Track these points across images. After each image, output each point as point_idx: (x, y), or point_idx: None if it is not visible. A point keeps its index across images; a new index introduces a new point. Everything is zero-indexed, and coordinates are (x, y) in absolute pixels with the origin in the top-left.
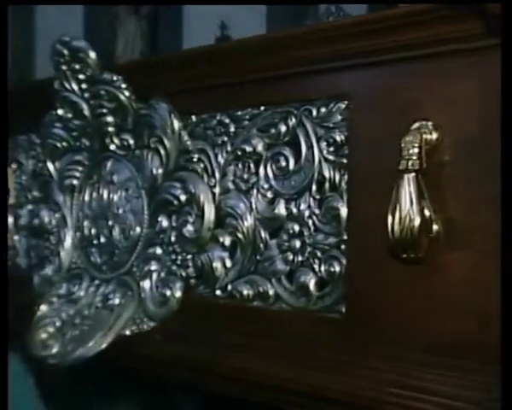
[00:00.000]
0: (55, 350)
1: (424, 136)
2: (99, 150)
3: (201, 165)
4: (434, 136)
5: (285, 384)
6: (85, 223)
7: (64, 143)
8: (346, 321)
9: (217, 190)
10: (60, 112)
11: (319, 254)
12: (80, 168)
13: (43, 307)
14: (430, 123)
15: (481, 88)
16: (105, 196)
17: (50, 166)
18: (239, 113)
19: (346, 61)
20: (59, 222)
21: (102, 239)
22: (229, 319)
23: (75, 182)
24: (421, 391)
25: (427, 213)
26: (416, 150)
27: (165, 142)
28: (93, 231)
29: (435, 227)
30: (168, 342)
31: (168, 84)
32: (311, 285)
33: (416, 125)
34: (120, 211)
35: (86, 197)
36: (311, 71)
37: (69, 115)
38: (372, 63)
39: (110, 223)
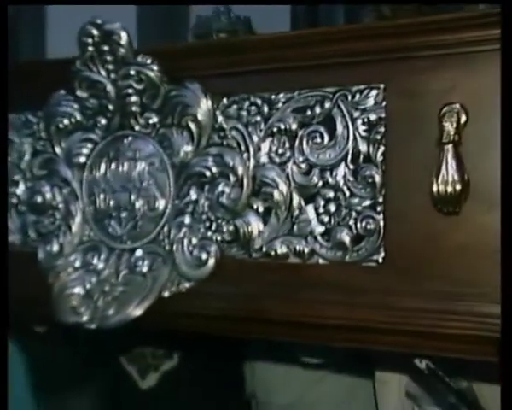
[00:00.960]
0: (86, 317)
1: (457, 116)
2: (118, 129)
3: (235, 141)
4: (464, 116)
5: (327, 321)
6: (101, 196)
7: (73, 122)
8: (383, 269)
9: (251, 163)
10: (77, 92)
11: (354, 214)
12: (90, 146)
13: (62, 279)
14: (459, 106)
15: (495, 82)
16: (124, 170)
17: (56, 144)
18: (272, 96)
19: (384, 54)
20: (67, 197)
21: (122, 212)
22: (266, 274)
23: (85, 159)
24: (457, 314)
25: (465, 176)
26: (454, 125)
27: (199, 119)
28: (110, 203)
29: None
30: (210, 299)
31: (201, 68)
32: (347, 241)
33: (450, 107)
34: (143, 184)
35: (100, 173)
36: (349, 62)
37: (84, 95)
38: (408, 57)
39: (131, 196)
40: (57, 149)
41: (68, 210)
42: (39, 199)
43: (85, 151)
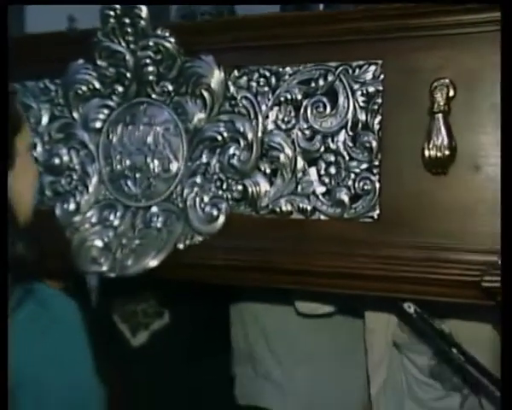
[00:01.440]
0: (105, 267)
1: (446, 89)
2: (134, 96)
3: (245, 109)
4: (452, 91)
5: (330, 270)
6: (117, 158)
7: (91, 89)
8: (378, 224)
9: (260, 129)
10: (97, 61)
11: (353, 176)
12: (107, 111)
13: (81, 233)
14: (448, 80)
15: (482, 59)
16: (140, 135)
17: (74, 109)
18: (280, 69)
19: (382, 34)
20: (84, 159)
21: (137, 172)
22: (271, 229)
23: (102, 124)
24: (444, 262)
25: (453, 142)
26: (445, 97)
27: (212, 88)
28: (126, 165)
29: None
30: (220, 251)
31: (215, 42)
32: (346, 200)
33: (440, 81)
34: (158, 148)
35: (116, 136)
36: (351, 40)
37: (104, 64)
38: (404, 37)
39: (147, 158)
40: (75, 114)
41: (85, 171)
42: (57, 161)
43: (102, 116)
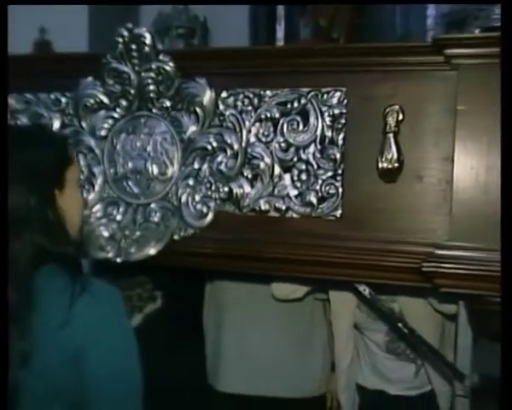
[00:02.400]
0: (111, 254)
1: (396, 114)
2: (136, 110)
3: (232, 124)
4: (401, 115)
5: (300, 258)
6: (120, 162)
7: (98, 102)
8: (340, 221)
9: (244, 141)
10: (106, 78)
11: (320, 182)
12: (112, 122)
13: (89, 225)
14: (397, 107)
15: (425, 90)
16: (140, 143)
17: (82, 119)
18: (261, 92)
19: (346, 67)
20: (90, 162)
21: (138, 175)
22: (252, 224)
23: (107, 132)
24: (395, 252)
25: (401, 157)
26: (395, 120)
27: (204, 105)
28: (128, 168)
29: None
30: (209, 242)
31: (207, 67)
32: (314, 201)
33: (391, 107)
34: (156, 154)
35: (120, 143)
36: (320, 70)
37: (110, 81)
38: (363, 71)
39: (146, 163)
40: (83, 123)
41: (92, 172)
42: None
43: (107, 126)
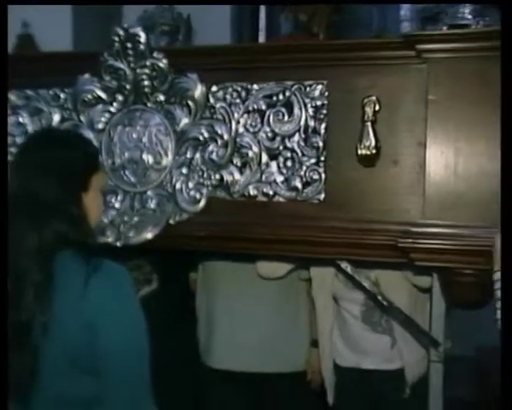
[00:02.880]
0: (111, 238)
1: (373, 104)
2: (132, 104)
3: (222, 116)
4: (377, 106)
5: (286, 238)
6: (117, 153)
7: (96, 97)
8: (323, 204)
9: (233, 131)
10: (103, 75)
11: (304, 168)
12: (108, 115)
13: None
14: (374, 98)
15: (399, 81)
16: (136, 134)
17: (81, 113)
18: (249, 86)
19: (327, 61)
20: None
21: (134, 164)
22: (242, 208)
23: (104, 125)
24: (375, 231)
25: (378, 144)
26: (372, 110)
27: (196, 99)
28: (125, 158)
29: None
30: (202, 225)
31: (199, 64)
32: (299, 186)
33: (368, 98)
34: (152, 145)
35: (117, 135)
36: (303, 65)
37: (107, 78)
38: (343, 65)
39: (142, 153)
40: (82, 117)
41: None
42: None
43: (104, 119)
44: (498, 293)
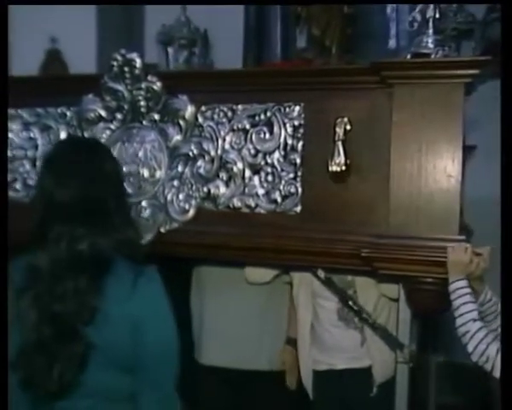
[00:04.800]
0: None
1: (344, 125)
2: (129, 122)
3: (209, 134)
4: (348, 126)
5: (267, 246)
6: None
7: (98, 116)
8: (299, 216)
9: (219, 148)
10: (103, 96)
11: (283, 182)
12: (109, 132)
13: None
14: (346, 119)
15: (368, 104)
16: (133, 150)
17: (85, 130)
18: (234, 107)
19: (304, 85)
20: None
21: (131, 177)
22: (226, 219)
23: (105, 141)
24: (345, 241)
25: (347, 161)
26: (343, 130)
27: (186, 118)
28: (123, 171)
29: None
30: (191, 234)
31: (189, 86)
32: (278, 199)
33: (340, 119)
34: (146, 160)
35: (115, 151)
36: (283, 89)
37: (108, 98)
38: (318, 89)
39: (138, 167)
40: (85, 134)
41: None
42: None
43: (105, 136)
44: (456, 303)
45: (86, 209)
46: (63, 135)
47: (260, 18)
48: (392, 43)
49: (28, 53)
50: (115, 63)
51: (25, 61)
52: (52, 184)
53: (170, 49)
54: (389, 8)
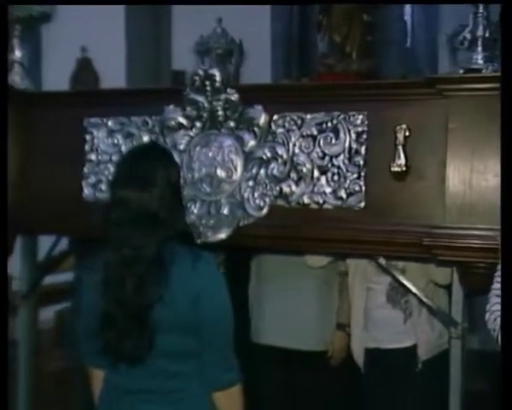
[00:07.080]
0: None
1: (404, 131)
2: (208, 129)
3: (281, 139)
4: (407, 132)
5: (333, 237)
6: (196, 169)
7: (178, 123)
8: (363, 211)
9: (290, 151)
10: (185, 106)
11: (348, 182)
12: (188, 138)
13: None
14: (405, 125)
15: (425, 113)
16: (212, 154)
17: (166, 136)
18: (302, 115)
19: (366, 97)
20: None
21: (210, 178)
22: (297, 214)
23: (185, 146)
24: (405, 232)
25: (408, 163)
26: (403, 136)
27: (260, 125)
28: (202, 173)
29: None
30: (266, 228)
31: (263, 97)
32: (344, 196)
33: (400, 126)
34: (224, 162)
35: (196, 155)
36: (347, 100)
37: (189, 108)
38: (379, 100)
39: (216, 169)
40: (167, 140)
41: None
42: None
43: (185, 142)
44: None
45: (149, 210)
46: (145, 140)
47: (289, 27)
48: (408, 48)
49: (60, 62)
50: (197, 77)
51: (56, 70)
52: (119, 187)
53: (206, 60)
54: (407, 15)
